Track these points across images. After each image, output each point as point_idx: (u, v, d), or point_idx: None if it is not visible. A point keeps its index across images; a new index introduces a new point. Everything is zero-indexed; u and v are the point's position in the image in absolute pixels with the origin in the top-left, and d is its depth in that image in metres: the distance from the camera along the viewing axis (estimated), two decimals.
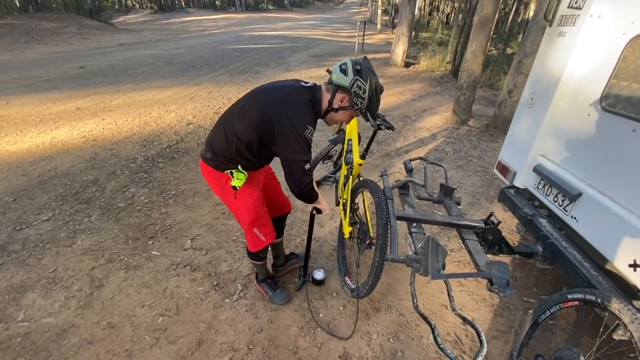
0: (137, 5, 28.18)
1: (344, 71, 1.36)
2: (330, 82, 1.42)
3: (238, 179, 1.46)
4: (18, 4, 16.99)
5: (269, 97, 1.39)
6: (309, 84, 1.47)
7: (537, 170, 1.96)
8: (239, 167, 1.47)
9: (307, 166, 1.39)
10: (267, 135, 1.37)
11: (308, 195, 1.49)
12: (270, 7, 35.81)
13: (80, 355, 1.62)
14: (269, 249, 1.96)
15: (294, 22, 23.50)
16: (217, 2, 32.88)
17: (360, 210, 2.14)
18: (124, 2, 27.28)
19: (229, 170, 1.47)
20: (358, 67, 1.35)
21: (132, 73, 7.22)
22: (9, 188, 2.95)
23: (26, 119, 4.47)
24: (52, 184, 3.04)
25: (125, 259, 2.23)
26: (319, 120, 1.52)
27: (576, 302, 1.35)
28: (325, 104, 1.44)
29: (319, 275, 2.04)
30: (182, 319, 1.82)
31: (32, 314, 1.82)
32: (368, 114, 1.44)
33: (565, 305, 1.39)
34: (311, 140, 1.37)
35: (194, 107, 5.19)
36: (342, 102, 1.42)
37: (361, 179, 2.10)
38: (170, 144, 3.94)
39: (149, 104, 5.26)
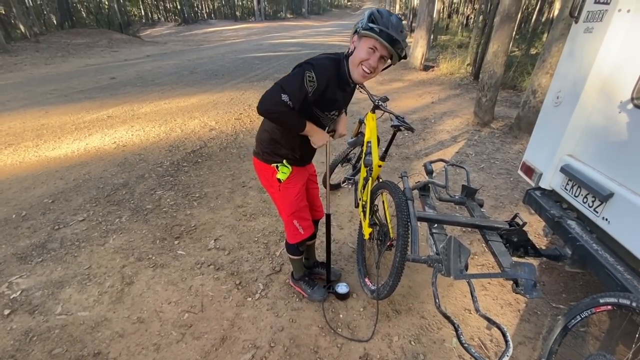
0: (162, 19, 29.50)
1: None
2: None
3: (283, 172, 1.54)
4: (55, 22, 18.22)
5: None
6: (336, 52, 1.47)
7: (565, 170, 1.90)
8: (284, 161, 1.55)
9: (285, 97, 1.28)
10: None
11: (279, 117, 1.35)
12: (288, 15, 36.52)
13: (113, 347, 1.70)
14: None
15: (312, 29, 23.82)
16: (237, 13, 33.88)
17: (380, 212, 2.15)
18: (150, 16, 28.66)
19: (275, 164, 1.56)
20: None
21: (159, 82, 7.56)
22: (48, 191, 3.16)
23: (63, 127, 4.77)
24: (87, 187, 3.23)
25: (153, 257, 2.33)
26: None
27: (609, 307, 1.29)
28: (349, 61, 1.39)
29: (342, 289, 1.97)
30: (206, 316, 1.88)
31: (69, 307, 1.93)
32: (374, 26, 1.27)
33: (597, 310, 1.33)
34: (307, 88, 1.30)
35: (216, 114, 5.37)
36: (353, 42, 1.37)
37: (381, 180, 2.10)
38: (194, 149, 4.08)
39: (174, 112, 5.48)
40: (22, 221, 2.72)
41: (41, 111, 5.45)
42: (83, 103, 5.93)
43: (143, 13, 27.59)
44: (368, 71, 1.35)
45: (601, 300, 1.31)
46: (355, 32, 1.35)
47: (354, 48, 1.36)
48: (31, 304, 1.95)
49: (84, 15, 20.36)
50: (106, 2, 21.10)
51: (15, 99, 6.18)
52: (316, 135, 1.49)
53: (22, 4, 15.77)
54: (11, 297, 1.99)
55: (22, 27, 14.53)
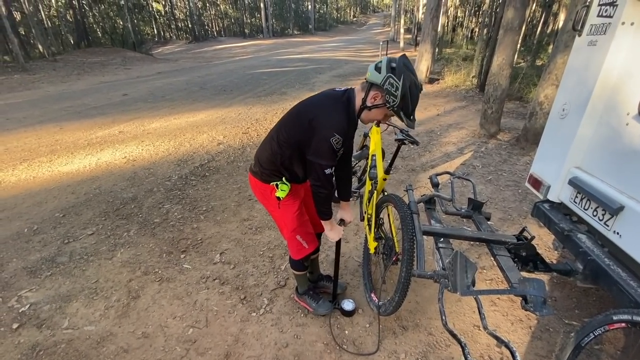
0: (174, 37, 30.53)
1: (378, 69, 1.35)
2: (365, 81, 1.43)
3: (282, 190, 1.55)
4: (72, 41, 19.01)
5: (306, 103, 1.50)
6: (342, 89, 1.51)
7: (573, 183, 1.87)
8: (283, 179, 1.57)
9: (328, 171, 1.43)
10: (305, 140, 1.44)
11: (321, 200, 1.55)
12: (295, 32, 37.38)
13: None
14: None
15: (318, 45, 24.30)
16: (246, 30, 34.86)
17: (386, 226, 2.13)
18: (162, 34, 29.69)
19: (274, 182, 1.57)
20: (393, 65, 1.32)
21: (169, 98, 7.76)
22: (59, 205, 3.23)
23: (76, 143, 4.91)
24: (97, 201, 3.29)
25: (160, 271, 2.34)
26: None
27: (623, 324, 1.24)
28: (359, 102, 1.44)
29: (348, 305, 1.94)
30: (210, 331, 1.87)
31: (75, 321, 1.95)
32: (401, 113, 1.38)
33: (611, 327, 1.29)
34: (337, 149, 1.40)
35: (224, 128, 5.47)
36: (375, 99, 1.40)
37: (386, 194, 2.10)
38: (202, 163, 4.15)
39: (184, 126, 5.60)
40: (34, 235, 2.77)
41: (56, 127, 5.62)
42: (96, 119, 6.11)
43: (155, 32, 28.61)
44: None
45: (614, 317, 1.26)
46: (379, 86, 1.35)
47: (373, 102, 1.40)
48: (39, 317, 1.97)
49: (100, 35, 21.20)
50: (121, 22, 21.97)
51: (32, 115, 6.40)
52: (334, 231, 1.68)
53: (40, 25, 16.53)
54: (20, 310, 2.01)
55: (40, 46, 15.19)
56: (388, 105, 1.37)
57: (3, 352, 1.75)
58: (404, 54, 1.42)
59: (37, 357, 1.73)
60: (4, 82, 10.01)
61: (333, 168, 1.46)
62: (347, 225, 1.84)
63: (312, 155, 1.43)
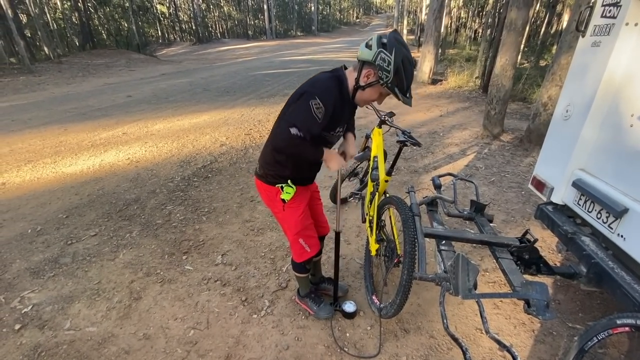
0: (178, 39, 30.70)
1: (369, 46, 1.29)
2: (357, 61, 1.37)
3: (287, 192, 1.54)
4: (78, 44, 19.19)
5: (297, 89, 1.44)
6: (333, 68, 1.47)
7: (577, 185, 1.85)
8: (289, 182, 1.55)
9: (294, 131, 1.31)
10: None
11: (290, 149, 1.38)
12: (298, 33, 37.45)
13: None
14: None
15: (321, 46, 24.31)
16: (249, 32, 35.00)
17: (387, 228, 2.12)
18: (166, 36, 29.89)
19: (280, 185, 1.56)
20: (384, 40, 1.27)
21: (172, 100, 7.80)
22: (63, 206, 3.25)
23: (80, 144, 4.95)
24: (100, 202, 3.31)
25: (162, 273, 2.35)
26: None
27: (626, 328, 1.23)
28: (351, 82, 1.39)
29: (349, 308, 1.92)
30: (211, 333, 1.87)
31: (77, 323, 1.95)
32: (396, 90, 1.31)
33: (615, 332, 1.27)
34: (315, 115, 1.30)
35: (227, 130, 5.48)
36: (367, 78, 1.34)
37: (387, 195, 2.09)
38: (204, 164, 4.16)
39: (187, 128, 5.63)
40: (37, 236, 2.79)
41: (60, 129, 5.67)
42: (100, 120, 6.15)
43: (160, 34, 28.78)
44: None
45: (618, 322, 1.25)
46: (371, 63, 1.30)
47: (366, 81, 1.35)
48: (41, 318, 1.98)
49: (105, 37, 21.40)
50: (125, 24, 22.16)
51: (37, 117, 6.45)
52: (333, 160, 1.51)
53: (46, 27, 16.71)
54: (22, 311, 2.03)
55: (46, 48, 15.36)
56: (382, 82, 1.31)
57: (5, 353, 1.76)
58: (395, 29, 1.37)
59: (38, 358, 1.74)
60: (9, 83, 10.12)
61: (300, 135, 1.32)
62: (350, 159, 1.68)
63: (287, 115, 1.35)
